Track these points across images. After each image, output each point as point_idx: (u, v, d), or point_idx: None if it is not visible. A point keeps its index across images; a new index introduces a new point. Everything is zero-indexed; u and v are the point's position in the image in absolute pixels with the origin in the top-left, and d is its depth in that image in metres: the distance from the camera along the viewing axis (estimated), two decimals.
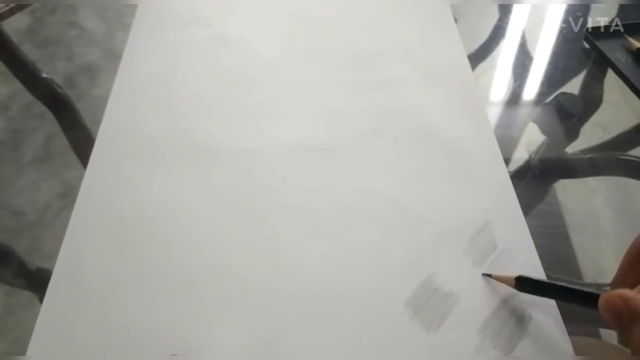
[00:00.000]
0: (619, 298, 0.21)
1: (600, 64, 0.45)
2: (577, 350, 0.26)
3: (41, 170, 0.37)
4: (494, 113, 0.41)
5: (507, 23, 0.50)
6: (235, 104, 0.39)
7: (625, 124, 0.41)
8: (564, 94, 0.43)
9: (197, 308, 0.28)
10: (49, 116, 0.40)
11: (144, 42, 0.44)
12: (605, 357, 0.27)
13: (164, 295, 0.29)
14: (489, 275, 0.29)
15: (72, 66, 0.45)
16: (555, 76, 0.44)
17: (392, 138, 0.37)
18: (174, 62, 0.42)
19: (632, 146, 0.39)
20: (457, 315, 0.28)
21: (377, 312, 0.28)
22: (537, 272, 0.30)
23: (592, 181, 0.37)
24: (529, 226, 0.32)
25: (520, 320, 0.28)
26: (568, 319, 0.27)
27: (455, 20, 0.47)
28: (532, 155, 0.37)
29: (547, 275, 0.29)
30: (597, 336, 0.29)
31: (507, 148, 0.37)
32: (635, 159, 0.38)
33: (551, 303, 0.28)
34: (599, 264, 0.32)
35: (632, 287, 0.22)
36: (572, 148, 0.39)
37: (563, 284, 0.26)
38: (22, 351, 0.26)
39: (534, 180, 0.36)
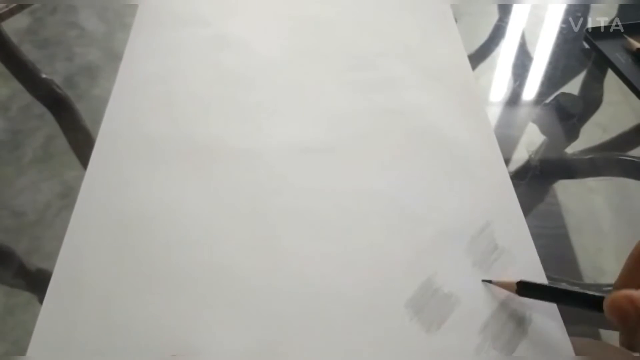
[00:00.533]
0: (626, 299, 0.21)
1: (600, 64, 0.45)
2: (577, 351, 0.26)
3: (41, 170, 0.37)
4: (494, 113, 0.41)
5: (507, 23, 0.50)
6: (235, 104, 0.39)
7: (625, 124, 0.41)
8: (564, 94, 0.43)
9: (197, 308, 0.28)
10: (49, 117, 0.40)
11: (144, 42, 0.44)
12: (606, 358, 0.27)
13: (164, 295, 0.29)
14: (489, 282, 0.29)
15: (72, 66, 0.45)
16: (555, 76, 0.44)
17: (391, 138, 0.37)
18: (174, 62, 0.42)
19: (632, 146, 0.39)
20: (457, 316, 0.28)
21: (377, 313, 0.28)
22: (537, 272, 0.29)
23: (592, 181, 0.37)
24: (529, 226, 0.32)
25: (520, 321, 0.28)
26: (568, 320, 0.27)
27: (456, 20, 0.47)
28: (532, 156, 0.37)
29: (547, 275, 0.29)
30: (597, 337, 0.29)
31: (507, 148, 0.37)
32: (635, 159, 0.38)
33: (551, 304, 0.28)
34: (599, 264, 0.32)
35: (638, 288, 0.22)
36: (572, 148, 0.39)
37: (565, 286, 0.26)
38: (22, 351, 0.26)
39: (534, 180, 0.36)
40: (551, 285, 0.27)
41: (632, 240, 0.24)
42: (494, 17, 0.51)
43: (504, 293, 0.28)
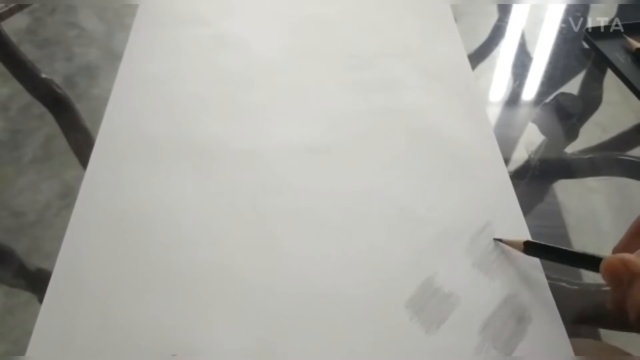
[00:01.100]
0: (620, 261, 0.22)
1: (599, 64, 0.45)
2: (577, 352, 0.26)
3: (41, 170, 0.37)
4: (494, 113, 0.41)
5: (506, 23, 0.50)
6: (234, 104, 0.39)
7: (624, 124, 0.41)
8: (563, 94, 0.43)
9: (197, 308, 0.28)
10: (49, 116, 0.40)
11: (144, 42, 0.44)
12: (605, 358, 0.27)
13: (164, 295, 0.29)
14: (500, 240, 0.31)
15: (72, 66, 0.45)
16: (554, 76, 0.44)
17: (391, 138, 0.37)
18: (174, 62, 0.42)
19: (632, 146, 0.39)
20: (457, 315, 0.28)
21: (377, 313, 0.28)
22: (537, 271, 0.30)
23: (591, 181, 0.37)
24: (529, 226, 0.32)
25: (520, 321, 0.28)
26: (568, 320, 0.27)
27: (455, 20, 0.47)
28: (532, 155, 0.37)
29: (547, 275, 0.29)
30: (597, 337, 0.29)
31: (507, 148, 0.37)
32: (635, 159, 0.38)
33: (551, 305, 0.28)
34: None
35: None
36: (572, 148, 0.39)
37: (567, 249, 0.27)
38: (22, 351, 0.26)
39: (534, 180, 0.36)
40: (554, 245, 0.28)
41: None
42: (494, 17, 0.51)
43: (504, 288, 0.29)
